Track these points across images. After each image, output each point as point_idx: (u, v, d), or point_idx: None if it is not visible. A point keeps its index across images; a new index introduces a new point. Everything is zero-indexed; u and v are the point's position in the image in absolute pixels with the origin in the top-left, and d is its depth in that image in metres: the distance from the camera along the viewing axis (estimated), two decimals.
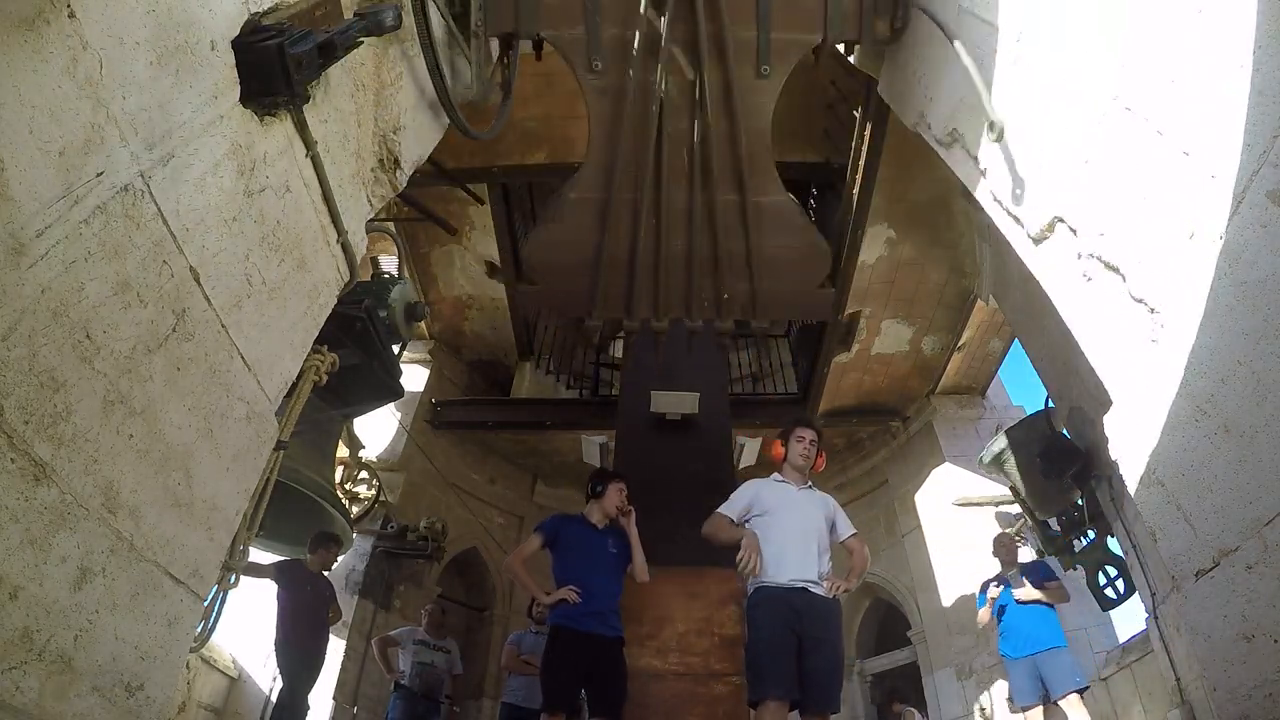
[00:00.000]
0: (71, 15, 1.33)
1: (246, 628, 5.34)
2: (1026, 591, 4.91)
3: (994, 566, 5.45)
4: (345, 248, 2.52)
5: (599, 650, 3.38)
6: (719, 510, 3.44)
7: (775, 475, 3.58)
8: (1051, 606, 4.88)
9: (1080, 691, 4.55)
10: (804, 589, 3.12)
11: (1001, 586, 5.08)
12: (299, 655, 4.87)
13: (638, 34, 3.33)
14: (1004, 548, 5.39)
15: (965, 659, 6.88)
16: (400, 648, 5.65)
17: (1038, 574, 5.04)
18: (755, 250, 3.75)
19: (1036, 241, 2.45)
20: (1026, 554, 5.78)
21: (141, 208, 1.54)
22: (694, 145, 3.55)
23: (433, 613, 6.00)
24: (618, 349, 8.65)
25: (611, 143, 3.55)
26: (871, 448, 8.80)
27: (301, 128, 2.14)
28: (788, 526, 3.27)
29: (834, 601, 3.20)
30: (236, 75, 1.85)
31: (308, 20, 2.11)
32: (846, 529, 3.48)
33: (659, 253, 3.77)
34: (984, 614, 5.15)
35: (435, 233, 7.24)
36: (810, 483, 3.58)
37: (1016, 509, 6.16)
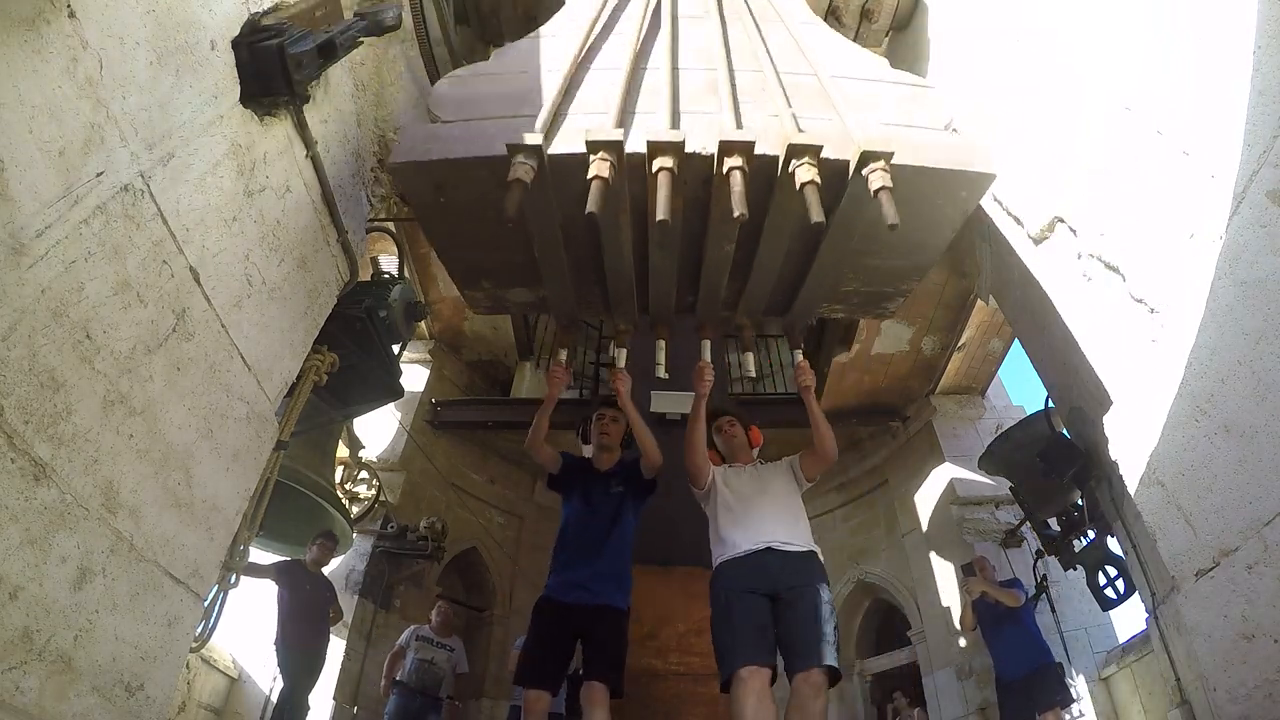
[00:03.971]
0: (71, 15, 1.33)
1: (246, 628, 5.34)
2: (977, 582, 5.43)
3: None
4: (345, 247, 2.53)
5: (582, 619, 3.02)
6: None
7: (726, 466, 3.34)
8: (1034, 625, 5.26)
9: (1065, 706, 4.92)
10: (768, 549, 2.78)
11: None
12: (299, 656, 4.87)
13: None
14: (980, 571, 5.67)
15: (965, 659, 6.87)
16: (404, 651, 5.63)
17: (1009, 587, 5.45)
18: None
19: (1036, 241, 2.46)
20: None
21: (141, 208, 1.54)
22: None
23: (443, 610, 5.96)
24: None
25: None
26: (871, 448, 8.79)
27: (301, 128, 2.14)
28: (746, 494, 3.02)
29: (809, 553, 2.85)
30: (236, 75, 1.85)
31: (308, 20, 2.12)
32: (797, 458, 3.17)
33: None
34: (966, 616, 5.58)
35: None
36: (761, 459, 3.33)
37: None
